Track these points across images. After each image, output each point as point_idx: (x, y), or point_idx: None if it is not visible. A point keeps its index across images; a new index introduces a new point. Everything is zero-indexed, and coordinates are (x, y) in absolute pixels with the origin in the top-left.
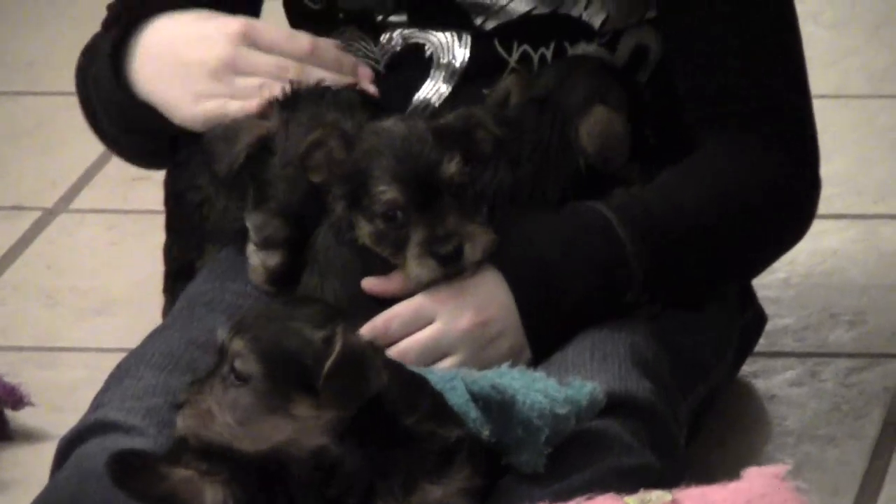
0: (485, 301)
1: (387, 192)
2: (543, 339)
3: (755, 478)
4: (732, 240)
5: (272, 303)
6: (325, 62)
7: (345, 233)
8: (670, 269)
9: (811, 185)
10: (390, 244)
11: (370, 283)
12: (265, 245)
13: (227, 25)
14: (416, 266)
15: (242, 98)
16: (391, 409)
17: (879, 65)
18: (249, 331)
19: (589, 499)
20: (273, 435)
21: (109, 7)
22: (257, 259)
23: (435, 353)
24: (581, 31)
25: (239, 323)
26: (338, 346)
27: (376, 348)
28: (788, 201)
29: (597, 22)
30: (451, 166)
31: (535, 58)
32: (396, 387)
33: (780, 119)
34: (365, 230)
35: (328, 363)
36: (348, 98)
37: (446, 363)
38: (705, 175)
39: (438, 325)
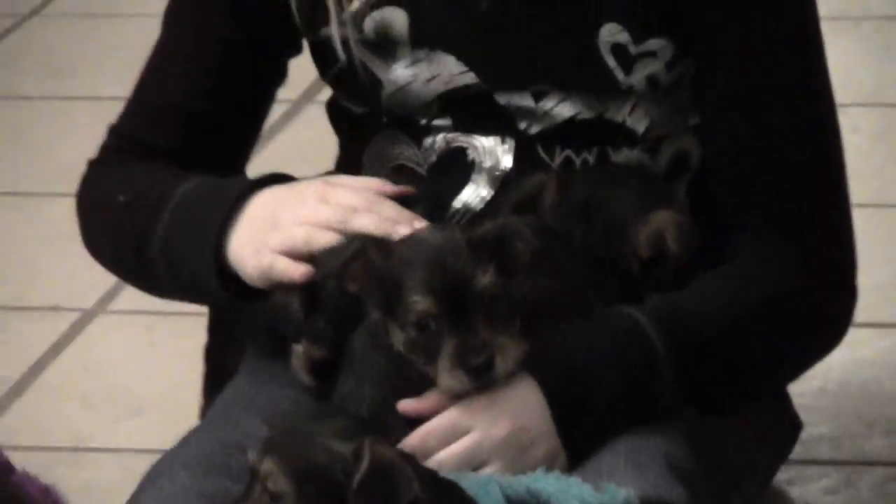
0: (519, 408)
1: (419, 302)
2: (579, 444)
3: None
4: (764, 347)
5: (299, 420)
6: (387, 212)
7: (381, 339)
8: (701, 376)
9: (847, 296)
10: (423, 353)
11: (405, 405)
12: (312, 339)
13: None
14: (448, 378)
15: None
16: None
17: None
18: (278, 449)
19: None
20: None
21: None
22: (302, 348)
23: (472, 463)
24: (624, 136)
25: (267, 442)
26: (366, 459)
27: (406, 457)
28: (823, 311)
29: (640, 128)
30: (485, 278)
31: (578, 162)
32: (430, 495)
33: (817, 230)
34: (398, 338)
35: (357, 476)
36: None
37: (484, 472)
38: (738, 283)
39: (474, 435)
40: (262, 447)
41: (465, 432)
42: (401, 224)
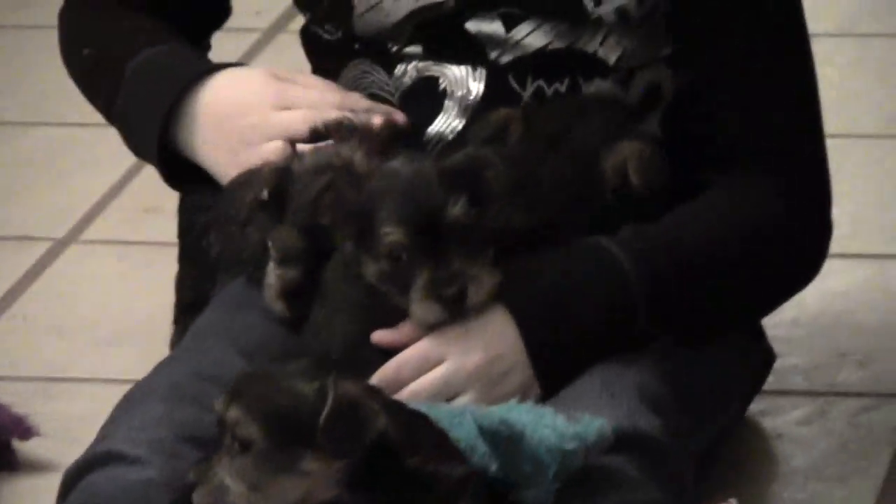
0: (492, 339)
1: (391, 233)
2: (552, 375)
3: None
4: (738, 279)
5: (260, 365)
6: (359, 107)
7: (353, 270)
8: (674, 305)
9: (822, 229)
10: (395, 285)
11: (379, 336)
12: (283, 260)
13: (266, 72)
14: (420, 309)
15: (287, 133)
16: (395, 451)
17: (891, 105)
18: (243, 396)
19: None
20: (287, 495)
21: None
22: (274, 275)
23: (446, 393)
24: (596, 67)
25: (232, 390)
26: (330, 397)
27: (373, 392)
28: (798, 245)
29: (612, 58)
30: (457, 209)
31: (549, 92)
32: (397, 428)
33: (792, 163)
34: (371, 270)
35: (324, 414)
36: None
37: (457, 403)
38: (713, 215)
39: (448, 365)
40: (227, 395)
41: (439, 362)
42: (377, 114)
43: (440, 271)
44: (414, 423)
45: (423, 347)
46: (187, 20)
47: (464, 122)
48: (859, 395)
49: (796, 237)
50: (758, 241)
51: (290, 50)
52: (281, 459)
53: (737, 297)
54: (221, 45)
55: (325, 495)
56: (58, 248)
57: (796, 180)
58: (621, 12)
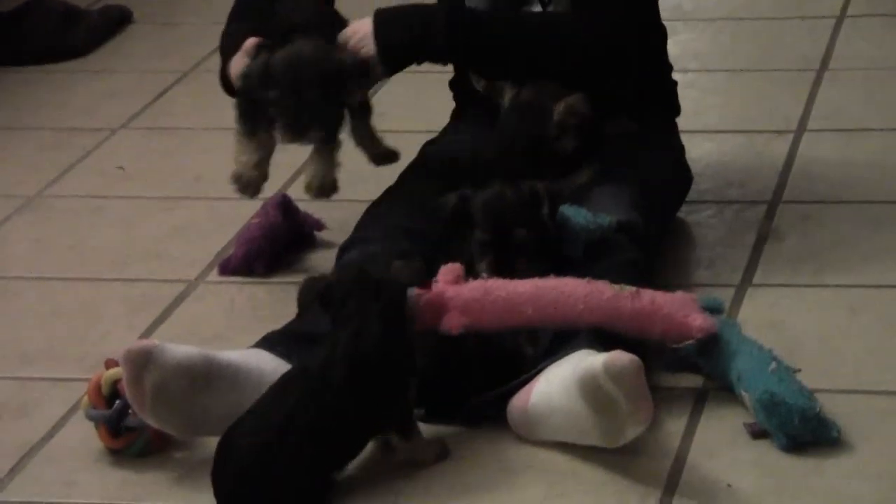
0: (359, 24)
1: (481, 235)
2: (387, 51)
3: (682, 295)
4: (524, 46)
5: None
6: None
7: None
8: (467, 34)
9: (604, 38)
10: (482, 259)
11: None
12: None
13: None
14: (483, 271)
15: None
16: None
17: None
18: None
19: (590, 282)
20: None
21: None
22: None
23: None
24: None
25: None
26: None
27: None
28: (579, 42)
29: None
30: (521, 232)
31: None
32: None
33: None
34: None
35: None
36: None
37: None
38: (524, 14)
39: (360, 36)
40: None
41: (364, 34)
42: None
43: (502, 259)
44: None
45: (363, 29)
46: None
47: None
48: (742, 203)
49: (579, 35)
50: (547, 29)
51: None
52: None
53: (521, 53)
54: None
55: None
56: None
57: (595, 7)
58: None
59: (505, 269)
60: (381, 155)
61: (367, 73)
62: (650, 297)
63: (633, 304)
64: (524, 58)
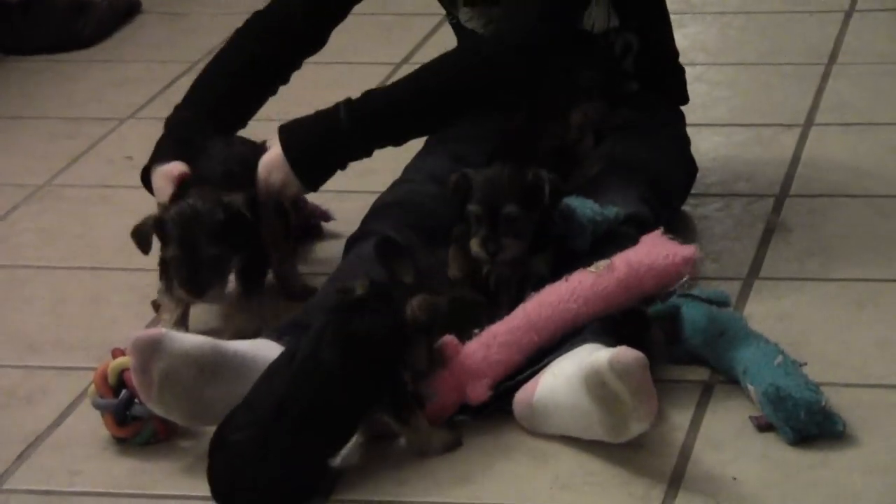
0: (273, 156)
1: (474, 209)
2: (302, 172)
3: (651, 238)
4: (431, 98)
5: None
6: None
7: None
8: (370, 107)
9: (525, 56)
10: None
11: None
12: None
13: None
14: (473, 248)
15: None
16: None
17: None
18: None
19: (566, 279)
20: None
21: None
22: None
23: (272, 181)
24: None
25: None
26: None
27: None
28: (495, 62)
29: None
30: (510, 208)
31: None
32: None
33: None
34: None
35: None
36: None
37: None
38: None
39: (269, 164)
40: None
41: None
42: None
43: (490, 236)
44: None
45: (266, 167)
46: (287, 47)
47: None
48: (749, 196)
49: (494, 57)
50: (452, 74)
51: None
52: None
53: (430, 106)
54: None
55: None
56: None
57: (512, 17)
58: None
59: (493, 246)
60: (297, 292)
61: (284, 212)
62: (625, 261)
63: (617, 277)
64: (441, 110)
